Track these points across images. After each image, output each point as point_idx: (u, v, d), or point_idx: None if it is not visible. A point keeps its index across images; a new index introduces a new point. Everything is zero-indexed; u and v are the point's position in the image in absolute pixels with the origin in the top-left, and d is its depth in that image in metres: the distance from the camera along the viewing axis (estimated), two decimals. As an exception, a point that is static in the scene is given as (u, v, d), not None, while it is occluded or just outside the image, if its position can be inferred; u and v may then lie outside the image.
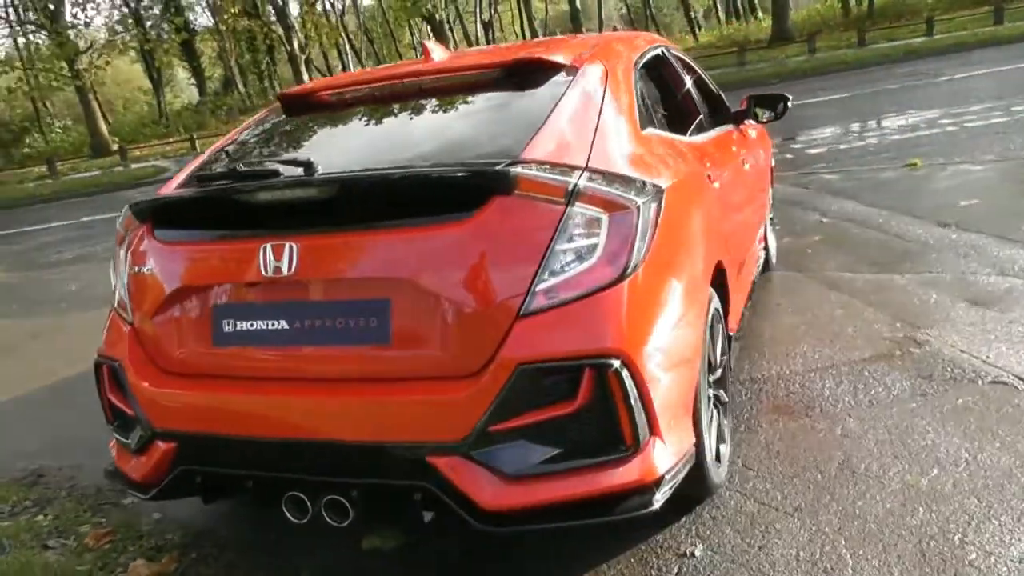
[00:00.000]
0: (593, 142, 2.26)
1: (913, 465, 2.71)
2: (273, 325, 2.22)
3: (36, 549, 2.83)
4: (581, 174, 2.11)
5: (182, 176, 2.59)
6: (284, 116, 2.92)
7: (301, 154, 2.57)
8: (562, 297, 2.01)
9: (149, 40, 27.54)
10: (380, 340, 2.11)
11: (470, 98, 2.69)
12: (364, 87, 2.89)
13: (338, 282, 2.16)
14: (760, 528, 2.47)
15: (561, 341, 1.99)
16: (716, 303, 2.62)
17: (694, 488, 2.47)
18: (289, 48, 24.53)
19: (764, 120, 4.43)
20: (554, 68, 2.58)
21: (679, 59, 3.75)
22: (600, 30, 33.51)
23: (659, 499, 2.11)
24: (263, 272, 2.15)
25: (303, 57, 24.78)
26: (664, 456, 2.13)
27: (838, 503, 2.55)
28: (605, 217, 2.07)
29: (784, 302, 4.50)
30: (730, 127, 4.07)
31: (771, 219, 5.24)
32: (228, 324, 2.27)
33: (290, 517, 2.20)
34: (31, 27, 26.41)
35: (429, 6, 21.73)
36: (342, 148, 2.61)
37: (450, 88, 2.78)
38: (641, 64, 2.94)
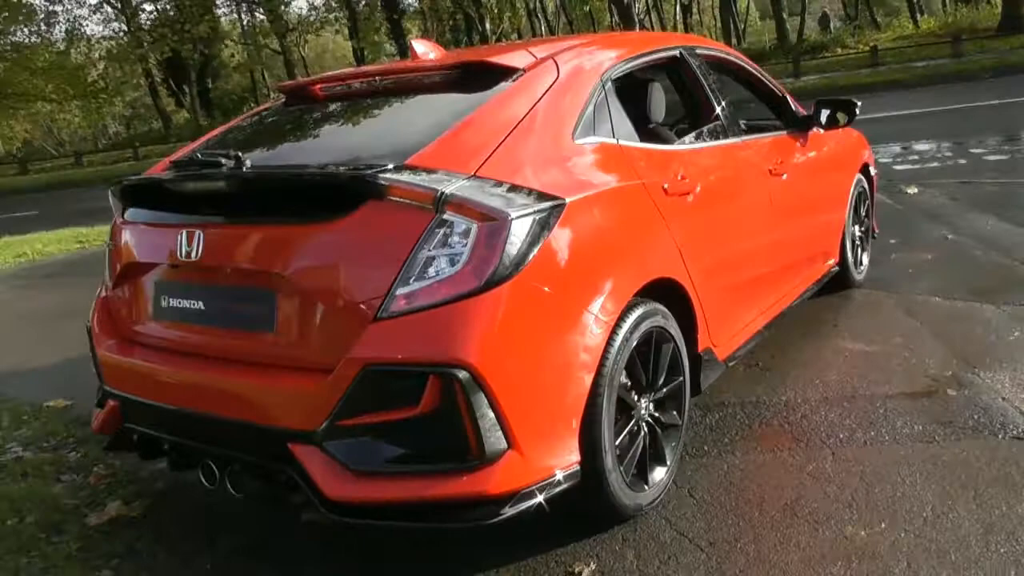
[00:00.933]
0: (497, 149, 2.25)
1: (862, 516, 2.50)
2: (193, 305, 2.41)
3: (50, 480, 3.23)
4: (459, 182, 2.11)
5: (166, 161, 2.85)
6: (280, 106, 3.11)
7: (252, 146, 2.74)
8: (420, 303, 2.04)
9: (356, 18, 29.25)
10: (267, 328, 2.24)
11: (412, 99, 2.76)
12: (338, 84, 3.01)
13: (236, 271, 2.31)
14: (662, 557, 2.39)
15: (410, 347, 2.03)
16: (654, 321, 2.53)
17: (594, 506, 2.43)
18: (481, 29, 25.18)
19: (840, 125, 4.13)
20: (501, 71, 2.58)
21: (712, 60, 3.57)
22: (802, 15, 31.73)
23: (509, 512, 2.10)
24: (179, 256, 2.34)
25: (493, 40, 25.36)
26: (522, 471, 2.11)
27: (756, 545, 2.41)
28: (474, 227, 2.07)
29: (843, 325, 4.19)
30: (776, 134, 3.84)
31: (864, 233, 4.86)
32: (164, 300, 2.50)
33: (204, 482, 2.39)
34: (248, 4, 28.97)
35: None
36: (285, 142, 2.76)
37: (401, 88, 2.85)
38: (621, 69, 2.85)
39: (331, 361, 2.09)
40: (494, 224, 2.07)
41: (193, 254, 2.30)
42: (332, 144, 2.66)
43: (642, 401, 2.56)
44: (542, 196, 2.20)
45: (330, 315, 2.14)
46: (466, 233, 2.07)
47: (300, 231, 2.20)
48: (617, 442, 2.42)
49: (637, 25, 25.16)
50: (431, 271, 2.06)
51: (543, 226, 2.16)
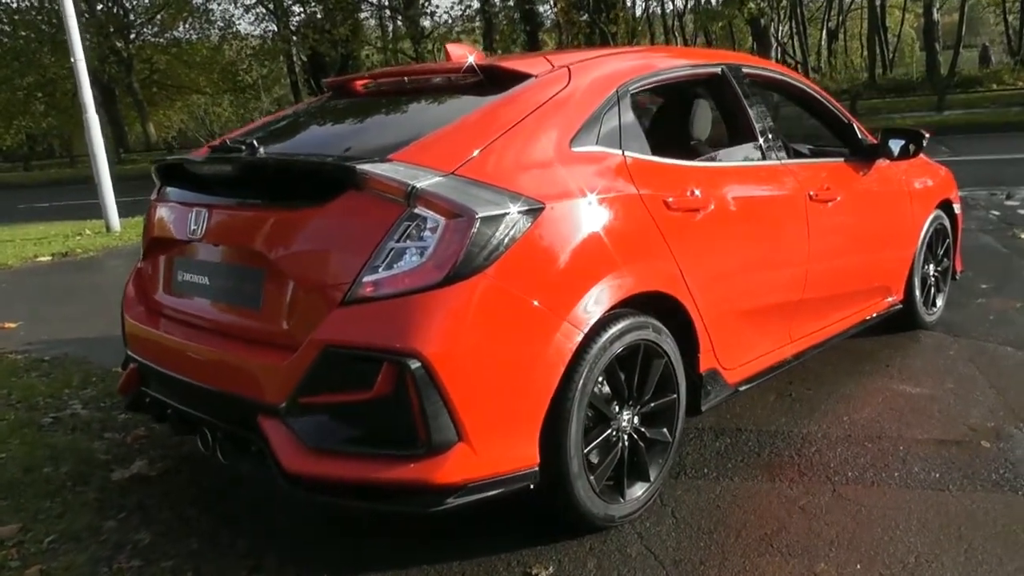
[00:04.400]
0: (482, 150, 2.31)
1: (839, 556, 2.40)
2: (200, 280, 2.59)
3: (94, 436, 3.51)
4: (433, 178, 2.19)
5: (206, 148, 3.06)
6: (323, 100, 3.27)
7: (278, 135, 2.90)
8: (384, 292, 2.13)
9: (492, 29, 29.87)
10: (254, 305, 2.38)
11: (428, 99, 2.86)
12: (376, 81, 3.15)
13: (233, 250, 2.47)
14: (622, 570, 2.37)
15: (369, 332, 2.12)
16: (642, 335, 2.52)
17: (558, 510, 2.45)
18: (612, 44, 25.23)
19: (911, 156, 3.96)
20: (514, 77, 2.64)
21: (762, 80, 3.51)
22: (956, 47, 30.00)
23: (454, 502, 2.15)
24: (187, 233, 2.52)
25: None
26: (472, 464, 2.16)
27: (719, 571, 2.36)
28: (442, 222, 2.13)
29: (897, 365, 4.00)
30: (831, 160, 3.73)
31: (941, 273, 4.61)
32: (180, 275, 2.69)
33: (201, 448, 2.56)
34: (389, 11, 30.12)
35: (751, 7, 21.05)
36: (305, 133, 2.91)
37: (423, 89, 2.95)
38: (644, 82, 2.84)
39: (298, 340, 2.21)
40: (460, 221, 2.13)
41: (198, 232, 2.48)
42: (341, 136, 2.81)
43: (624, 413, 2.55)
44: (518, 198, 2.24)
45: (305, 296, 2.26)
46: (434, 228, 2.14)
47: (288, 215, 2.33)
48: (588, 450, 2.42)
49: (775, 48, 24.55)
50: (398, 262, 2.14)
51: (515, 227, 2.20)
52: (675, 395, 2.71)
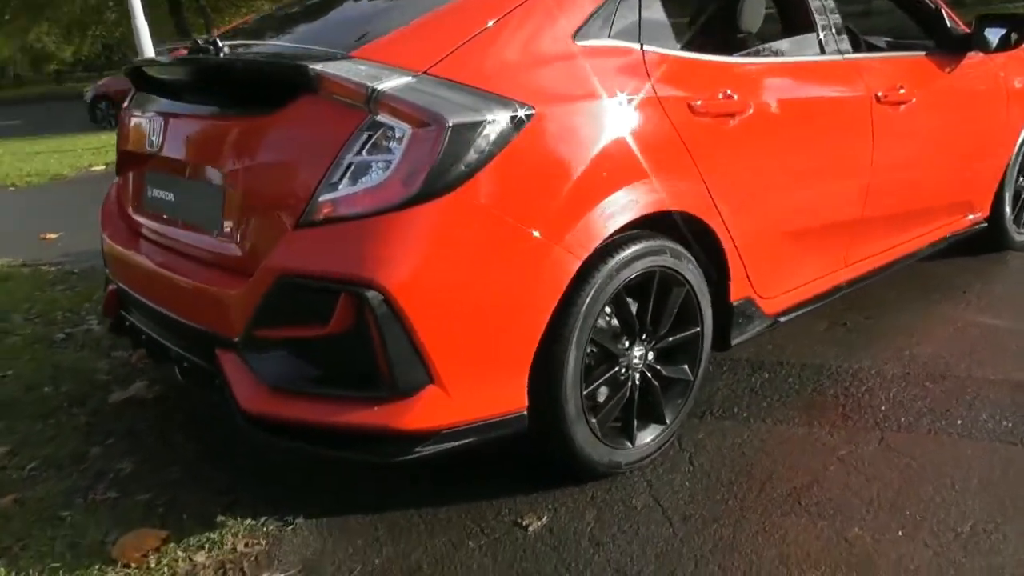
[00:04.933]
0: (464, 45, 1.96)
1: (878, 519, 2.08)
2: (167, 197, 2.35)
3: (101, 355, 3.40)
4: (400, 79, 1.86)
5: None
6: None
7: (250, 34, 2.59)
8: (343, 213, 1.84)
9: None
10: (215, 226, 2.13)
11: None
12: None
13: (193, 164, 2.21)
14: (623, 525, 2.11)
15: (326, 259, 1.84)
16: (658, 260, 2.18)
17: (554, 457, 2.20)
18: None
19: (1012, 47, 3.42)
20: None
21: None
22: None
23: (425, 451, 1.91)
24: (151, 145, 2.27)
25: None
26: (446, 409, 1.90)
27: (734, 530, 2.07)
28: (408, 131, 1.82)
29: (975, 292, 3.55)
30: (908, 54, 3.23)
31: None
32: (149, 191, 2.45)
33: (179, 377, 2.37)
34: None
35: None
36: (280, 32, 2.56)
37: None
38: None
39: (252, 267, 1.96)
40: (429, 130, 1.81)
41: (160, 144, 2.23)
42: (311, 33, 2.46)
43: (635, 350, 2.24)
44: (503, 102, 1.90)
45: (261, 217, 2.00)
46: (400, 138, 1.83)
47: (243, 124, 2.05)
48: (588, 391, 2.14)
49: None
50: (361, 178, 1.84)
51: (498, 136, 1.87)
52: (698, 328, 2.38)
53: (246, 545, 2.14)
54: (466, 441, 1.97)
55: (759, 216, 2.47)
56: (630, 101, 2.11)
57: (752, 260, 2.47)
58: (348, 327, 1.83)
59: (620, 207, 2.06)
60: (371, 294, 1.78)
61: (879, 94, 2.88)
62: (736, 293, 2.47)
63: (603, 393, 2.21)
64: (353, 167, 1.84)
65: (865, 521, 2.07)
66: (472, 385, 1.93)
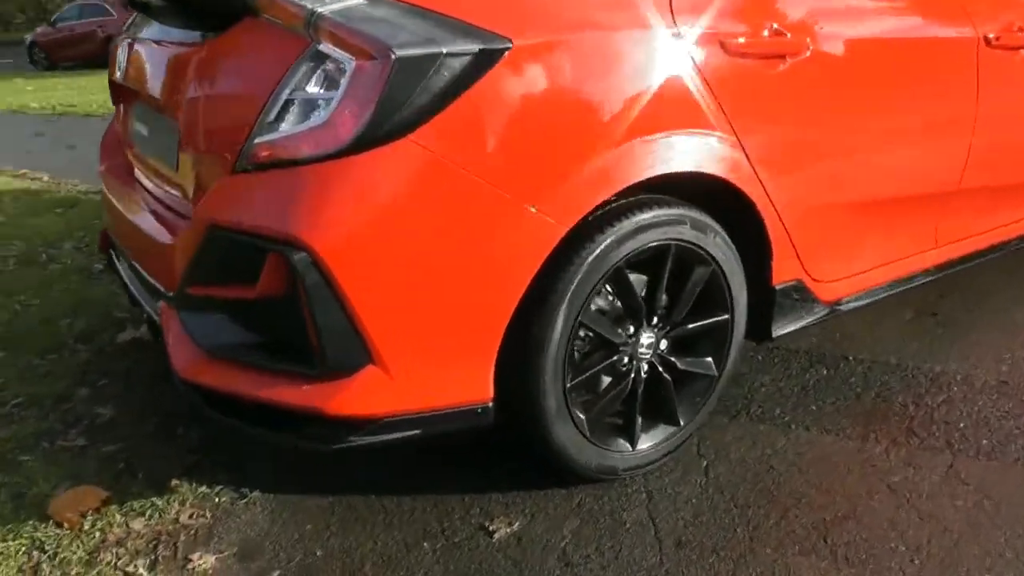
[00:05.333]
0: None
1: (907, 573, 1.67)
2: (143, 130, 2.14)
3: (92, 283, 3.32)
4: (348, 1, 1.54)
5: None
6: None
7: None
8: (279, 158, 1.56)
9: None
10: (173, 165, 1.89)
11: None
12: None
13: (155, 94, 1.96)
14: (603, 543, 1.79)
15: (256, 212, 1.57)
16: (672, 232, 1.80)
17: (535, 456, 1.89)
18: None
19: None
20: None
21: None
22: None
23: (360, 441, 1.64)
24: (119, 73, 2.06)
25: None
26: (388, 394, 1.61)
27: (735, 567, 1.71)
28: (351, 64, 1.50)
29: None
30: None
31: None
32: (132, 123, 2.25)
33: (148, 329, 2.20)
34: None
35: None
36: None
37: None
38: None
39: (189, 213, 1.71)
40: (374, 64, 1.49)
41: (120, 72, 2.01)
42: None
43: (643, 336, 1.89)
44: (472, 32, 1.55)
45: (205, 158, 1.75)
46: (342, 71, 1.52)
47: (194, 50, 1.79)
48: (577, 382, 1.81)
49: None
50: (300, 118, 1.55)
51: (460, 74, 1.52)
52: (726, 316, 1.99)
53: (190, 516, 1.95)
54: (411, 433, 1.69)
55: (813, 183, 2.03)
56: (638, 36, 1.71)
57: (802, 235, 2.04)
58: (277, 291, 1.56)
59: (619, 168, 1.69)
60: (298, 255, 1.51)
61: (990, 35, 2.33)
62: (780, 274, 2.06)
63: (596, 385, 1.88)
64: (294, 105, 1.55)
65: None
66: (421, 369, 1.64)
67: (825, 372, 2.43)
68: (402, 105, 1.49)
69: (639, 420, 1.93)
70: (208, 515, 1.95)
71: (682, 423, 1.99)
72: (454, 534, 1.84)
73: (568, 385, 1.78)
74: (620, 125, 1.67)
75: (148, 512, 1.96)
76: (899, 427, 2.15)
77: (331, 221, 1.51)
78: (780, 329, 2.11)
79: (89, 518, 1.93)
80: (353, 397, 1.60)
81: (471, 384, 1.69)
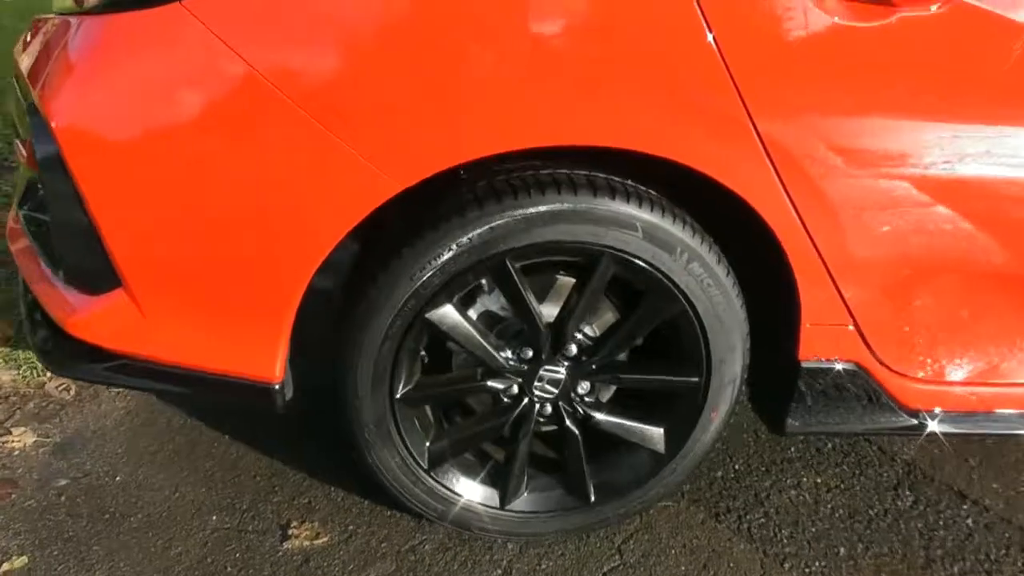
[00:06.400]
0: None
1: None
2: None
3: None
4: None
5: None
6: None
7: None
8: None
9: None
10: None
11: None
12: None
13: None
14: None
15: (31, 66, 1.25)
16: (603, 236, 1.19)
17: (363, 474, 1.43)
18: None
19: None
20: None
21: None
22: None
23: (90, 377, 1.37)
24: None
25: None
26: (134, 331, 1.24)
27: None
28: None
29: None
30: None
31: None
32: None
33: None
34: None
35: None
36: None
37: None
38: None
39: None
40: None
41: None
42: None
43: (543, 364, 1.31)
44: None
45: None
46: None
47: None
48: (408, 395, 1.30)
49: None
50: None
51: None
52: (695, 378, 1.32)
53: (58, 388, 1.79)
54: (174, 388, 1.32)
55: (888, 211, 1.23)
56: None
57: (869, 294, 1.27)
58: (34, 166, 1.24)
59: (517, 115, 1.10)
60: (35, 119, 1.18)
61: None
62: (815, 347, 1.31)
63: (451, 408, 1.35)
64: None
65: None
66: (183, 317, 1.23)
67: (912, 504, 1.62)
68: None
69: (516, 472, 1.37)
70: (70, 394, 1.76)
71: (592, 500, 1.40)
72: (247, 542, 1.44)
73: (398, 396, 1.28)
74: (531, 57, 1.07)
75: (23, 368, 1.81)
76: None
77: (69, 89, 1.14)
78: (799, 427, 1.38)
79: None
80: (95, 320, 1.25)
81: (252, 356, 1.25)
